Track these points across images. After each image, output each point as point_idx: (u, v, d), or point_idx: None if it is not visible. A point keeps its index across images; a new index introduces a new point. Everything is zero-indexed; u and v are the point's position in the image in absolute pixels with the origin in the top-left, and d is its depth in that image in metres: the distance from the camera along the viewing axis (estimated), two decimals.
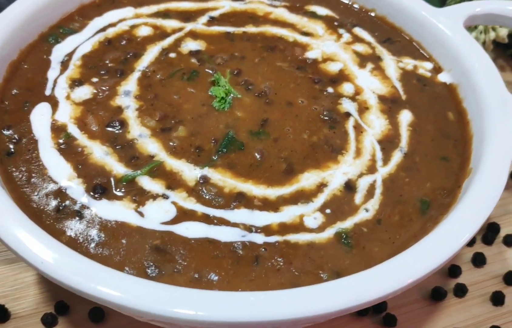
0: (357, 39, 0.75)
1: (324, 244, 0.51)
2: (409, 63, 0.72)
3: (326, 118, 0.62)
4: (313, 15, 0.78)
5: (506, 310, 0.65)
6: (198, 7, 0.76)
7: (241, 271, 0.47)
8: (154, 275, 0.46)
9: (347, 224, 0.53)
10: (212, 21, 0.73)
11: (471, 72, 0.67)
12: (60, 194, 0.51)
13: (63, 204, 0.50)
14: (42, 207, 0.50)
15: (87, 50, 0.66)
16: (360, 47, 0.73)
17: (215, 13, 0.75)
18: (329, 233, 0.52)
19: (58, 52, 0.65)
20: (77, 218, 0.49)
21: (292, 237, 0.51)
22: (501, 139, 0.57)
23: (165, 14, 0.73)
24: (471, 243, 0.71)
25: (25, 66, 0.63)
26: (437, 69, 0.72)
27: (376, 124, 0.63)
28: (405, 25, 0.77)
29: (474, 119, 0.64)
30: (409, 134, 0.63)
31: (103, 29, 0.70)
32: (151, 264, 0.46)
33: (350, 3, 0.80)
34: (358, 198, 0.55)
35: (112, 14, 0.72)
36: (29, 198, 0.50)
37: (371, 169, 0.58)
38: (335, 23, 0.76)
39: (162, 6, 0.75)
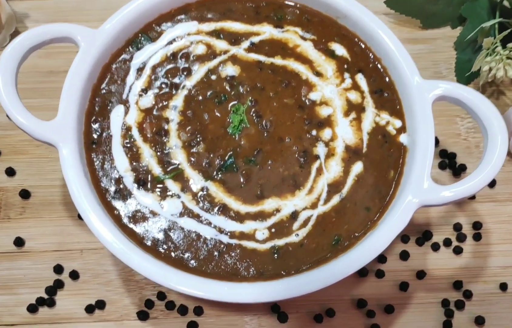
0: (355, 86, 0.97)
1: (261, 252, 0.82)
2: (384, 118, 0.95)
3: (300, 158, 0.90)
4: (331, 54, 0.99)
5: (407, 296, 0.96)
6: (246, 30, 1.00)
7: (207, 257, 0.83)
8: (159, 247, 0.83)
9: (281, 242, 0.83)
10: (251, 47, 0.99)
11: (417, 145, 0.89)
12: (119, 180, 0.87)
13: (119, 187, 0.86)
14: (107, 188, 0.86)
15: (157, 61, 0.95)
16: (353, 95, 0.97)
17: (256, 39, 0.99)
18: (267, 245, 0.82)
19: (137, 59, 0.93)
20: (125, 200, 0.86)
21: (244, 243, 0.84)
22: (400, 216, 0.84)
23: (218, 34, 1.00)
24: (405, 240, 1.01)
25: (114, 68, 0.93)
26: (402, 129, 0.94)
27: (333, 170, 0.90)
28: (397, 82, 0.97)
29: (403, 184, 0.89)
30: (352, 183, 0.89)
31: (171, 42, 0.98)
32: (159, 240, 0.83)
33: (364, 47, 1.02)
34: (295, 225, 0.84)
35: (181, 26, 1.00)
36: (101, 179, 0.85)
37: (313, 206, 0.86)
38: (345, 66, 0.99)
39: (219, 25, 0.99)
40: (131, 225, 0.82)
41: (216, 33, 0.98)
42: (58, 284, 0.94)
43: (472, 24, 1.19)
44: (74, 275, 0.95)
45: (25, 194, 1.00)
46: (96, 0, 1.23)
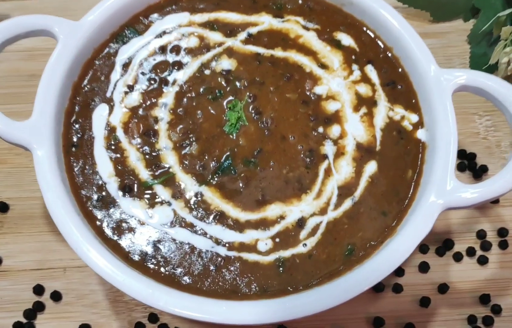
0: (364, 78, 0.88)
1: (264, 265, 0.73)
2: (399, 112, 0.86)
3: (306, 158, 0.81)
4: (337, 44, 0.90)
5: (429, 312, 0.86)
6: (242, 21, 0.91)
7: (202, 273, 0.73)
8: (148, 262, 0.73)
9: (287, 253, 0.74)
10: (249, 38, 0.89)
11: (438, 141, 0.79)
12: (101, 187, 0.77)
13: (101, 195, 0.76)
14: (88, 195, 0.76)
15: (144, 56, 0.86)
16: (362, 89, 0.87)
17: (254, 30, 0.91)
18: (271, 258, 0.73)
19: (122, 54, 0.85)
20: (108, 209, 0.75)
21: (244, 255, 0.74)
22: (423, 220, 0.74)
23: (212, 25, 0.90)
24: (424, 250, 0.91)
25: (97, 63, 0.85)
26: (419, 124, 0.85)
27: (344, 170, 0.80)
28: (411, 73, 0.88)
29: (424, 184, 0.80)
30: (366, 185, 0.80)
31: (160, 35, 0.89)
32: (148, 254, 0.73)
33: (373, 36, 0.92)
34: (303, 234, 0.75)
35: (171, 18, 0.91)
36: (81, 186, 0.76)
37: (323, 211, 0.77)
38: (353, 57, 0.90)
39: (213, 16, 0.91)
40: (115, 237, 0.73)
41: (209, 25, 0.90)
42: (38, 307, 0.85)
43: (486, 16, 1.12)
44: (56, 296, 0.85)
45: (2, 207, 0.92)
46: None
